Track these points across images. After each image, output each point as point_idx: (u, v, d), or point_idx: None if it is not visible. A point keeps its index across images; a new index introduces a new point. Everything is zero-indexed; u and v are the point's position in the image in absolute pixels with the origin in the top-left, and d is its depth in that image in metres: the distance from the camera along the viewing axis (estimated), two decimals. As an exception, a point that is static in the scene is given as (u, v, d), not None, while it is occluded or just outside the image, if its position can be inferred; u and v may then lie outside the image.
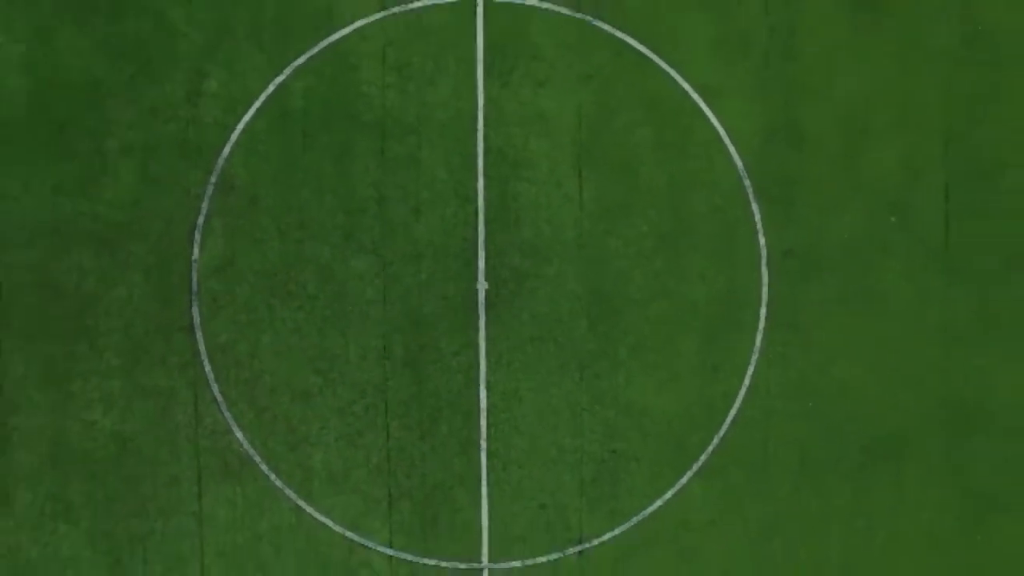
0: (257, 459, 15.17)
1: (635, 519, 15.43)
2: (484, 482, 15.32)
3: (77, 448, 15.00)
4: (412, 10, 15.09)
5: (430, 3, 15.07)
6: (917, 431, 15.64)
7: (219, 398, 15.09)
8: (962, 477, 15.69)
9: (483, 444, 15.32)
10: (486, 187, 15.16)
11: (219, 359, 15.07)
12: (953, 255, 15.65)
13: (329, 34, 15.09)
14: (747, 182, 15.39)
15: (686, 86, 15.29)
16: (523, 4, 15.12)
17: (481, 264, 15.30)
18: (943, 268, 15.65)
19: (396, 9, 15.07)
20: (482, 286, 15.23)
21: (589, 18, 15.17)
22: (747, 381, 15.46)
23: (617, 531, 15.42)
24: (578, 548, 15.41)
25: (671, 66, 15.24)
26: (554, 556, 15.37)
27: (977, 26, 15.53)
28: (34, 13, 14.76)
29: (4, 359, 14.81)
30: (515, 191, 15.25)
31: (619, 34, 15.21)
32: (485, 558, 15.33)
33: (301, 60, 15.08)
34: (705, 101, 15.30)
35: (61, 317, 14.90)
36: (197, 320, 15.03)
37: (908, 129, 15.58)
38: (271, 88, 15.07)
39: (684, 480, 15.46)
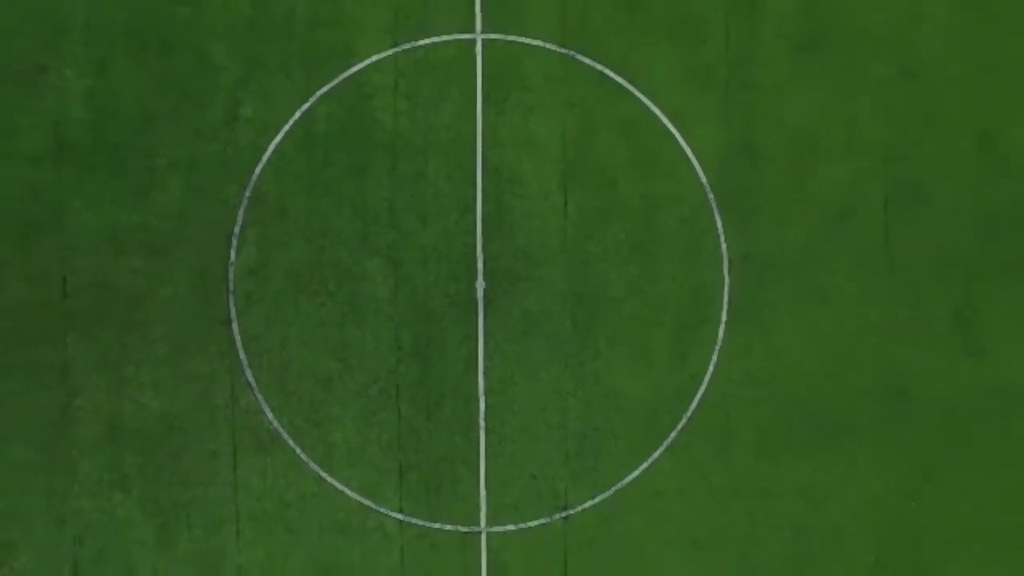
0: (284, 436, 17.43)
1: (613, 488, 17.66)
2: (482, 456, 17.56)
3: (130, 426, 17.27)
4: (420, 47, 17.39)
5: (436, 41, 17.39)
6: (860, 411, 17.86)
7: (252, 382, 17.36)
8: (900, 450, 17.91)
9: (481, 423, 17.57)
10: (484, 200, 17.43)
11: (252, 348, 17.35)
12: (891, 258, 17.89)
13: (348, 67, 17.39)
14: (710, 195, 17.66)
15: (657, 112, 17.58)
16: (516, 42, 17.43)
17: (480, 266, 17.56)
18: (883, 269, 17.88)
19: (406, 46, 17.38)
20: (480, 286, 17.48)
21: (573, 53, 17.46)
22: (711, 368, 17.70)
23: (598, 499, 17.66)
24: (564, 514, 17.65)
25: (644, 95, 17.52)
26: (543, 521, 17.60)
27: (909, 60, 17.82)
28: (95, 52, 17.06)
29: (69, 348, 17.10)
30: (509, 203, 17.52)
31: (599, 67, 17.50)
32: (483, 522, 17.57)
33: (324, 90, 17.37)
34: (674, 125, 17.57)
35: (117, 312, 17.17)
36: (233, 314, 17.32)
37: (851, 149, 17.83)
38: (297, 114, 17.37)
39: (656, 454, 17.69)
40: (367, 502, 17.45)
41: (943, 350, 17.90)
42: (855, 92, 17.73)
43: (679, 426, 17.69)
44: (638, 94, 17.51)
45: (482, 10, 17.29)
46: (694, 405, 17.68)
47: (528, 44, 17.42)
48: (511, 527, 17.60)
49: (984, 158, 17.89)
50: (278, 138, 17.31)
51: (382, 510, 17.46)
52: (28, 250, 17.02)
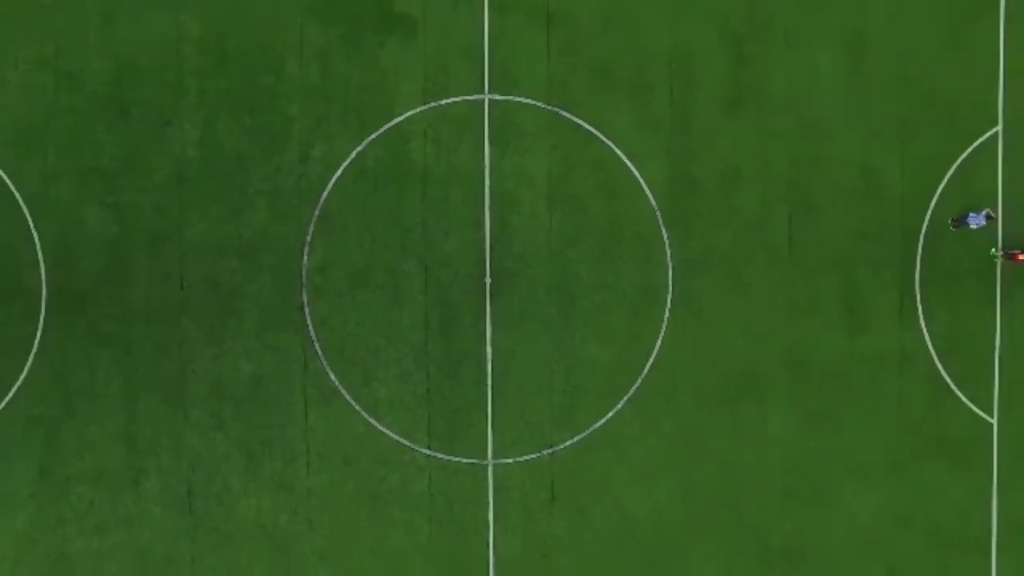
0: (342, 392, 23.35)
1: (587, 431, 23.59)
2: (489, 407, 23.49)
3: (228, 384, 23.19)
4: (443, 105, 23.42)
5: (454, 100, 23.42)
6: (771, 374, 23.78)
7: (319, 352, 23.30)
8: (801, 403, 23.82)
9: (489, 383, 23.50)
10: (490, 218, 23.41)
11: (319, 327, 23.31)
12: (794, 260, 23.82)
13: (390, 120, 23.38)
14: (658, 214, 23.65)
15: (619, 152, 23.58)
16: (513, 101, 23.44)
17: (487, 267, 23.50)
18: (787, 268, 23.81)
19: (432, 104, 23.39)
20: (488, 281, 23.46)
21: (556, 109, 23.49)
22: (659, 342, 23.65)
23: (575, 439, 23.58)
24: (550, 450, 23.57)
25: (608, 140, 23.54)
26: (534, 455, 23.54)
27: (807, 113, 23.83)
28: (205, 111, 23.05)
29: (185, 327, 23.05)
30: (509, 221, 23.48)
31: (575, 119, 23.52)
32: (490, 456, 23.49)
33: (372, 137, 23.37)
34: (630, 162, 23.58)
35: (219, 300, 23.12)
36: (305, 302, 23.27)
37: (764, 179, 23.80)
38: (353, 155, 23.35)
39: (619, 406, 23.62)
40: (403, 441, 23.41)
41: (832, 328, 23.87)
42: (767, 137, 23.72)
43: (636, 385, 23.65)
44: (604, 139, 23.54)
45: (488, 78, 23.36)
46: (647, 369, 23.64)
47: (522, 102, 23.47)
48: (511, 460, 23.56)
49: (862, 186, 23.87)
50: (338, 172, 23.33)
51: (414, 447, 23.41)
52: (156, 255, 23.01)
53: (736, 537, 23.87)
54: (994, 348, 24.12)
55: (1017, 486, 24.11)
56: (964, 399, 24.11)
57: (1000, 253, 23.81)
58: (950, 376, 24.06)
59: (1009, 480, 24.11)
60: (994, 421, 24.15)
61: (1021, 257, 23.51)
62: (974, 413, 24.13)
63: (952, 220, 23.86)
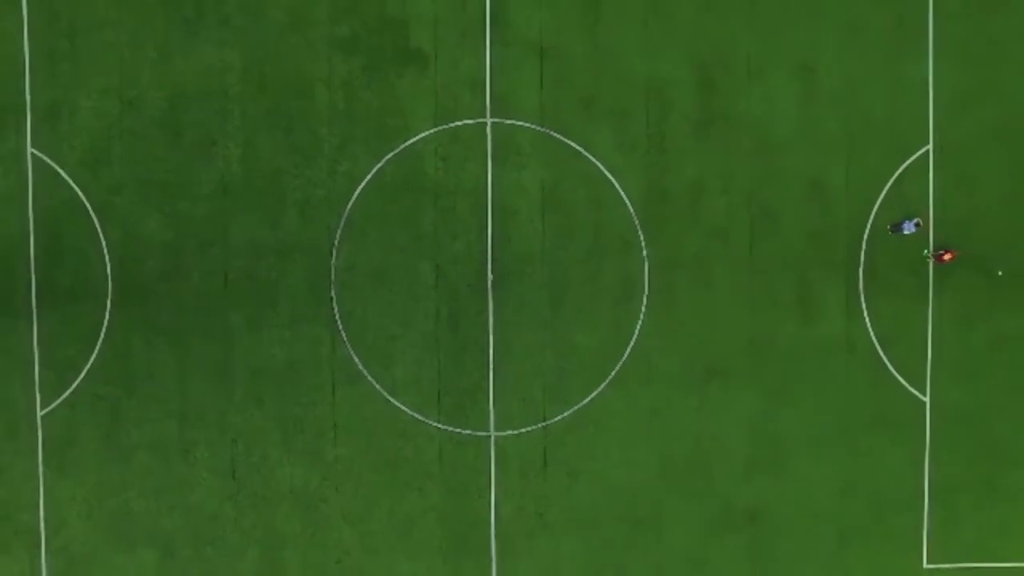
0: (365, 373, 27.11)
1: (575, 407, 27.35)
2: (491, 387, 27.24)
3: (266, 368, 26.92)
4: (451, 127, 27.19)
5: (461, 124, 27.20)
6: (735, 359, 27.49)
7: (345, 340, 27.07)
8: (761, 385, 27.53)
9: (491, 366, 27.25)
10: (492, 224, 27.20)
11: (345, 318, 27.07)
12: (754, 261, 27.58)
13: (405, 140, 27.15)
14: (636, 221, 27.43)
15: (602, 168, 27.37)
16: (512, 124, 27.22)
17: (490, 266, 27.29)
18: (747, 268, 27.53)
19: (442, 127, 27.16)
20: (490, 278, 27.24)
21: (548, 131, 27.27)
22: (637, 330, 27.42)
23: (565, 414, 27.34)
24: (543, 424, 27.33)
25: (593, 157, 27.33)
26: (529, 428, 27.29)
27: (766, 134, 27.57)
28: (246, 131, 26.81)
29: (228, 318, 26.79)
30: (508, 227, 27.25)
31: (564, 140, 27.31)
32: (492, 429, 27.24)
33: (390, 155, 27.14)
34: (612, 176, 27.36)
35: (258, 296, 26.87)
36: (333, 296, 27.04)
37: (728, 191, 27.50)
38: (374, 170, 27.13)
39: (602, 386, 27.38)
40: (417, 416, 27.16)
41: (787, 320, 27.61)
42: (730, 154, 27.46)
43: (616, 368, 27.41)
44: (589, 156, 27.32)
45: (490, 104, 27.15)
46: (626, 354, 27.40)
47: (520, 125, 27.26)
48: (510, 432, 27.31)
49: (813, 197, 27.58)
50: (361, 185, 27.09)
51: (426, 421, 27.16)
52: (204, 256, 26.78)
53: (704, 499, 27.59)
54: (927, 336, 27.86)
55: (946, 455, 27.85)
56: (901, 380, 27.84)
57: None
58: (889, 361, 27.79)
59: (939, 450, 27.85)
60: (927, 399, 27.89)
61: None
62: (910, 392, 27.87)
63: (890, 226, 27.60)
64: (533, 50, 27.08)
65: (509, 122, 27.22)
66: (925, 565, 27.92)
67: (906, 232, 27.41)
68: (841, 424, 27.75)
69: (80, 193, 26.54)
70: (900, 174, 27.71)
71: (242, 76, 26.73)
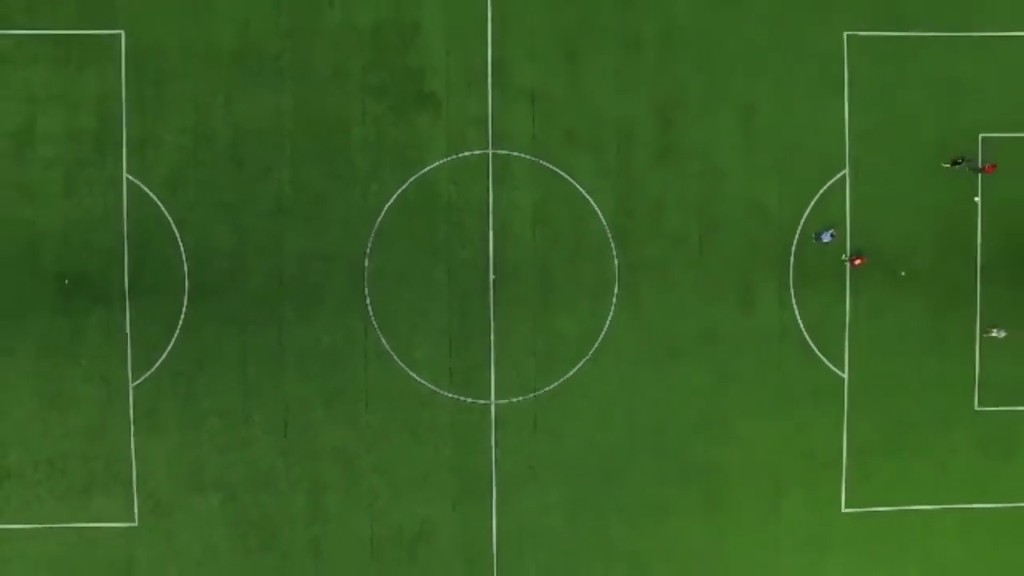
0: (392, 354, 33.70)
1: (559, 381, 33.94)
2: (492, 365, 33.84)
3: (312, 351, 33.45)
4: (462, 157, 33.84)
5: (468, 154, 33.83)
6: (687, 344, 34.00)
7: (376, 327, 33.69)
8: (711, 366, 33.99)
9: (492, 347, 33.87)
10: (494, 235, 33.84)
11: (377, 311, 33.68)
12: (704, 264, 34.16)
13: (423, 168, 33.75)
14: (609, 233, 34.06)
15: (581, 189, 34.00)
16: (509, 154, 33.83)
17: (491, 269, 33.90)
18: (698, 270, 34.13)
19: (453, 157, 33.78)
20: (492, 278, 33.87)
21: (539, 160, 33.93)
22: (609, 320, 34.04)
23: (551, 386, 33.93)
24: (534, 394, 33.95)
25: (574, 180, 33.95)
26: (522, 397, 33.89)
27: (713, 159, 34.16)
28: (296, 162, 33.46)
29: (282, 310, 33.40)
30: (506, 237, 33.87)
31: (551, 166, 33.95)
32: (492, 398, 33.86)
33: (411, 179, 33.76)
34: (590, 196, 33.97)
35: (306, 293, 33.46)
36: (367, 294, 33.69)
37: (682, 207, 34.08)
38: (398, 192, 33.76)
39: (581, 363, 33.93)
40: (434, 387, 33.77)
41: (731, 311, 34.14)
42: (684, 178, 34.03)
43: (593, 349, 33.99)
44: (571, 180, 33.95)
45: (492, 138, 33.79)
46: (600, 339, 34.01)
47: (515, 155, 33.91)
48: (507, 400, 33.91)
49: (752, 212, 34.14)
50: (389, 203, 33.71)
51: (440, 392, 33.77)
52: (262, 260, 33.40)
53: (664, 456, 34.08)
54: (845, 324, 34.41)
55: (860, 421, 34.35)
56: (825, 360, 34.37)
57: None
58: (814, 344, 34.30)
59: (854, 417, 34.36)
60: (845, 376, 34.41)
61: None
62: (831, 370, 34.40)
63: (814, 236, 34.18)
64: (526, 95, 33.71)
65: (506, 152, 33.86)
66: (843, 509, 34.44)
67: (825, 241, 34.00)
68: (775, 396, 34.26)
69: (164, 209, 33.20)
70: (822, 193, 34.29)
71: (293, 116, 33.39)
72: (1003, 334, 33.94)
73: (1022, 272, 34.65)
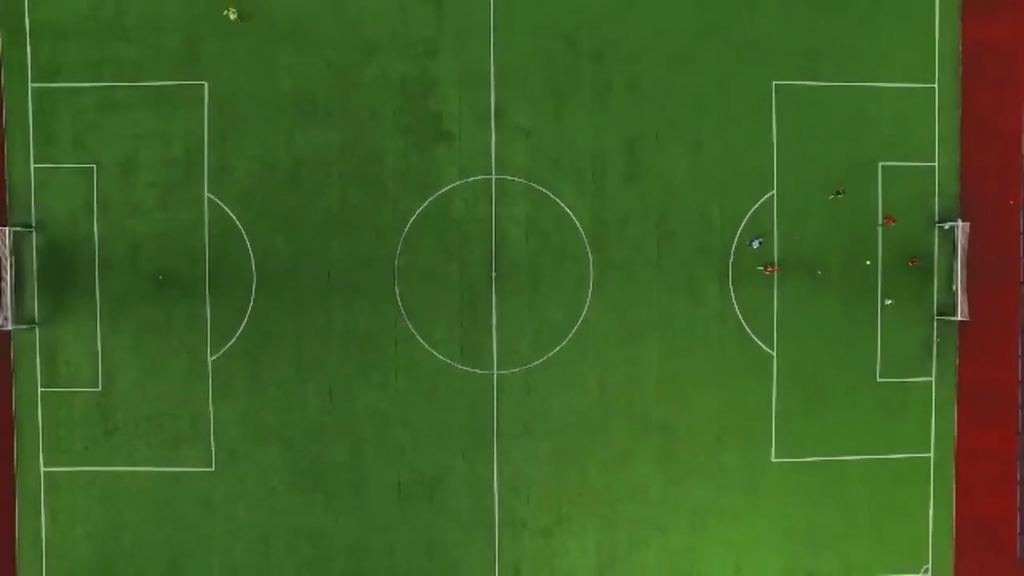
0: (416, 335, 42.59)
1: (547, 356, 42.80)
2: (495, 343, 42.70)
3: (352, 332, 42.33)
4: (471, 181, 42.81)
5: (476, 178, 42.81)
6: (652, 331, 42.84)
7: (404, 314, 42.62)
8: (671, 348, 42.96)
9: (494, 330, 42.78)
10: (495, 241, 42.77)
11: (405, 300, 42.50)
12: (661, 265, 43.09)
13: (440, 189, 42.70)
14: (585, 240, 42.99)
15: (564, 207, 42.94)
16: (508, 178, 42.79)
17: (493, 268, 42.78)
18: (657, 270, 43.02)
19: (464, 181, 42.80)
20: (494, 275, 42.81)
21: (531, 183, 42.96)
22: (586, 308, 42.92)
23: (539, 361, 42.77)
24: (527, 367, 42.85)
25: (558, 199, 42.90)
26: (518, 369, 42.80)
27: (671, 179, 43.22)
28: (337, 185, 42.53)
29: (329, 301, 42.29)
30: (505, 243, 42.80)
31: (541, 188, 42.93)
32: (495, 369, 42.75)
33: (430, 199, 42.71)
34: (571, 212, 42.92)
35: (347, 286, 42.44)
36: (396, 287, 42.63)
37: (644, 220, 43.08)
38: (420, 210, 42.71)
39: (564, 343, 42.81)
40: (449, 361, 42.66)
41: (683, 302, 43.06)
42: (646, 198, 42.92)
43: (573, 331, 42.91)
44: (556, 199, 42.91)
45: (495, 165, 42.81)
46: (579, 323, 42.94)
47: (513, 180, 42.92)
48: (506, 371, 42.81)
49: (700, 224, 43.06)
50: (413, 217, 42.61)
51: (453, 364, 42.66)
52: (314, 261, 42.37)
53: (630, 418, 42.82)
54: (773, 313, 43.30)
55: (785, 389, 43.01)
56: (758, 341, 43.23)
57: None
58: (749, 328, 43.13)
59: (781, 386, 43.09)
60: (774, 353, 43.27)
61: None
62: (763, 349, 43.27)
63: (748, 242, 43.16)
64: (521, 131, 42.72)
65: (506, 177, 42.90)
66: (773, 459, 43.26)
67: (755, 247, 43.00)
68: (718, 369, 43.05)
69: (237, 222, 42.24)
70: (755, 210, 43.29)
71: (339, 149, 42.42)
72: (889, 302, 42.79)
73: (909, 266, 43.59)
